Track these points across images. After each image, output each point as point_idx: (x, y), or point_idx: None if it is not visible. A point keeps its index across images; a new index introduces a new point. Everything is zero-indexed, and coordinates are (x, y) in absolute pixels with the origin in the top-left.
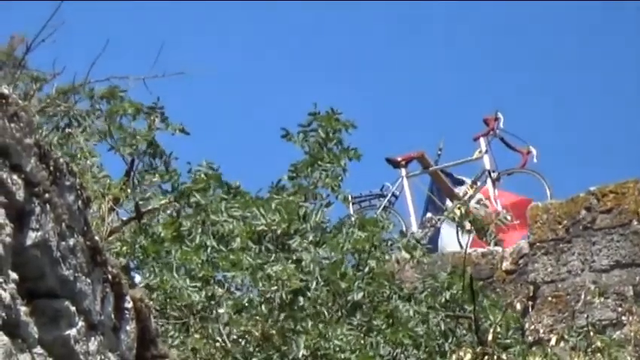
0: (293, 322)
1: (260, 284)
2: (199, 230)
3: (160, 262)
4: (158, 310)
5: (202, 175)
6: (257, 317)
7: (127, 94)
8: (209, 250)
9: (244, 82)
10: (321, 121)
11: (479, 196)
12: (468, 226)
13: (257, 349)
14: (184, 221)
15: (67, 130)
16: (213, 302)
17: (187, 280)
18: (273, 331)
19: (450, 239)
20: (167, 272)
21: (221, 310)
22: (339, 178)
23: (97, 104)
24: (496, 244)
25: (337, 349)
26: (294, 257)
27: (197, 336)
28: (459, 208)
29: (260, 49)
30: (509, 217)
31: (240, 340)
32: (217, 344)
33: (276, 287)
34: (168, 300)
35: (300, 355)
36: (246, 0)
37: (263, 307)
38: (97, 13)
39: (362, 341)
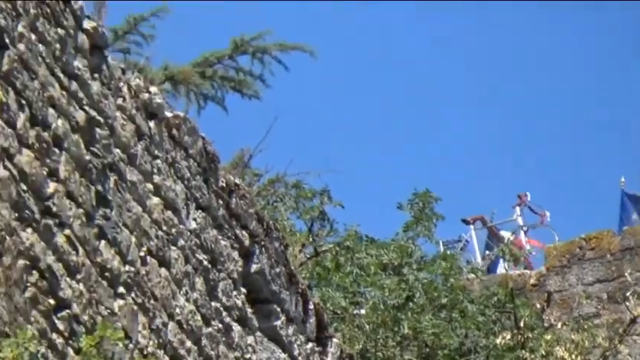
0: (401, 315)
1: (379, 293)
2: (349, 263)
3: (325, 282)
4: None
5: (353, 232)
6: (378, 312)
7: (307, 185)
8: (354, 274)
9: (366, 169)
10: (420, 197)
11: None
12: (509, 258)
13: (379, 329)
14: (341, 257)
15: (274, 205)
16: (357, 306)
17: (337, 293)
18: (388, 319)
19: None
20: (326, 288)
21: (362, 311)
22: (432, 230)
23: (289, 191)
24: (525, 269)
25: (426, 328)
26: (405, 279)
27: (344, 325)
28: (504, 249)
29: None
30: (534, 253)
31: (371, 325)
32: (359, 330)
33: (388, 294)
34: (328, 304)
35: (405, 332)
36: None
37: (381, 305)
38: (287, 130)
39: (445, 327)
